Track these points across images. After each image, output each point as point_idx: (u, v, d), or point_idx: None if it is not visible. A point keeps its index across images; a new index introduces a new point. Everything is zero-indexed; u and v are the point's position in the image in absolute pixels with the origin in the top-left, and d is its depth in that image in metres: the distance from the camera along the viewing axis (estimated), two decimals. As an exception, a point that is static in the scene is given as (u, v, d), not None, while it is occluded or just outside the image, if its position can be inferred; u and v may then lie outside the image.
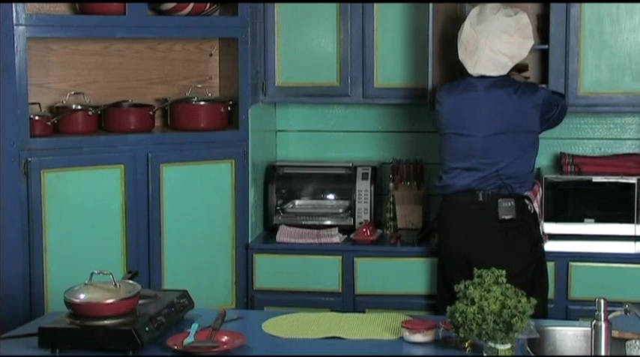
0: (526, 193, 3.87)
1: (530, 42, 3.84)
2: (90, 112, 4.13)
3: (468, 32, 3.82)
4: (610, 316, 2.67)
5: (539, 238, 3.93)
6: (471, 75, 3.84)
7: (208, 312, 3.12)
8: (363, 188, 4.51)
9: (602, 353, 2.65)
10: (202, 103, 4.31)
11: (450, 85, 3.94)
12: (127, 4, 4.00)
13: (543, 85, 4.11)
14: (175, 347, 2.78)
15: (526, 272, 3.73)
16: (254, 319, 3.14)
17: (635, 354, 2.77)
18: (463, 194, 3.83)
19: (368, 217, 4.49)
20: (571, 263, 4.14)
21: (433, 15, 4.21)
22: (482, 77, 3.82)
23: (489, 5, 3.84)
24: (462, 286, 2.65)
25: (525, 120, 3.80)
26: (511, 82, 3.87)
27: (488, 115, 3.80)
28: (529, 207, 3.88)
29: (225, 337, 2.85)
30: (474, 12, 3.87)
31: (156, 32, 4.24)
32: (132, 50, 4.42)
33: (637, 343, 2.79)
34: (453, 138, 3.87)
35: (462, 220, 3.85)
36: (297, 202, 4.69)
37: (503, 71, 3.82)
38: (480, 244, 3.80)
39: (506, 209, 3.76)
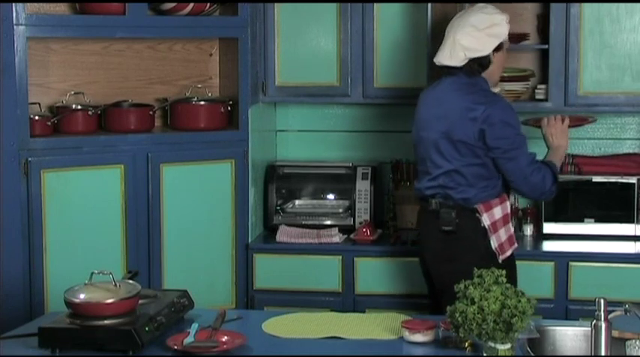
0: (475, 206, 3.61)
1: (494, 41, 3.62)
2: (90, 112, 4.13)
3: (448, 26, 3.73)
4: (610, 316, 2.67)
5: (490, 254, 3.60)
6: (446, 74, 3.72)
7: (208, 312, 3.12)
8: (363, 188, 4.51)
9: (602, 353, 2.65)
10: (202, 103, 4.31)
11: (430, 84, 3.90)
12: (127, 4, 4.00)
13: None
14: (175, 347, 2.78)
15: None
16: (254, 319, 3.14)
17: (635, 354, 2.77)
18: (423, 200, 3.73)
19: (368, 217, 4.49)
20: (571, 263, 4.14)
21: (432, 15, 4.21)
22: (451, 78, 3.67)
23: (479, 4, 3.77)
24: (462, 286, 2.65)
25: (463, 128, 3.56)
26: (477, 89, 3.63)
27: (437, 116, 3.63)
28: (481, 220, 3.61)
29: (225, 337, 2.84)
30: (464, 10, 3.83)
31: (156, 32, 4.24)
32: (132, 50, 4.42)
33: (637, 343, 2.79)
34: (415, 138, 3.77)
35: (419, 227, 3.82)
36: (297, 202, 4.69)
37: (456, 62, 3.61)
38: (428, 254, 3.73)
39: (446, 220, 3.61)
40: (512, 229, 3.73)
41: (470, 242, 3.61)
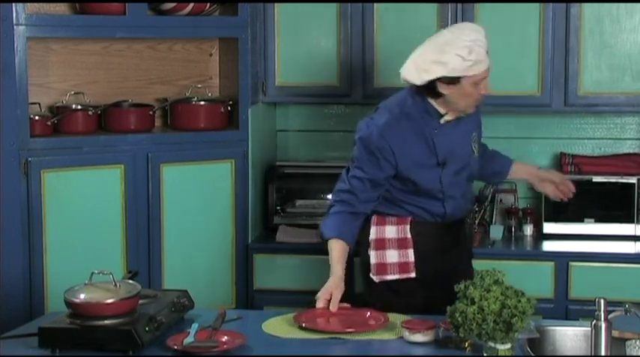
0: (371, 216, 3.44)
1: (437, 71, 3.22)
2: (90, 112, 4.13)
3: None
4: (610, 316, 2.67)
5: (368, 268, 3.44)
6: None
7: (208, 312, 3.12)
8: (363, 188, 4.50)
9: (602, 353, 2.65)
10: (202, 103, 4.31)
11: None
12: (127, 4, 4.01)
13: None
14: (175, 347, 2.78)
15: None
16: (254, 319, 3.14)
17: (635, 354, 2.77)
18: None
19: (368, 217, 4.49)
20: (571, 263, 4.14)
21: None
22: None
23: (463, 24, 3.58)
24: (462, 286, 2.65)
25: None
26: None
27: None
28: (369, 232, 3.45)
29: (225, 337, 2.85)
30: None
31: (156, 32, 4.24)
32: (132, 50, 4.42)
33: (637, 343, 2.79)
34: None
35: None
36: (297, 202, 4.69)
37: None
38: None
39: None
40: (413, 258, 3.38)
41: (361, 247, 3.48)
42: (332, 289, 3.20)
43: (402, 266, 3.41)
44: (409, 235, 3.40)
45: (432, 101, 3.32)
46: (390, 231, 3.42)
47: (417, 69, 3.25)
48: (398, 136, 3.30)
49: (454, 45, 3.19)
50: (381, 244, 3.42)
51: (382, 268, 3.42)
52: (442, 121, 3.34)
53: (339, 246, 3.31)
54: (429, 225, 3.41)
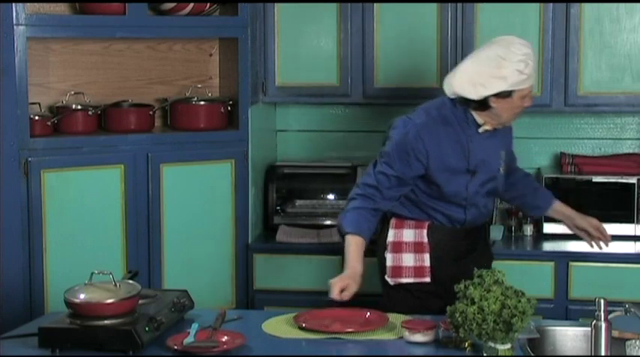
0: (390, 218, 3.50)
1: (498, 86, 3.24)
2: (90, 112, 4.13)
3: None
4: (610, 316, 2.67)
5: (384, 270, 3.50)
6: None
7: (208, 312, 3.12)
8: (363, 188, 4.50)
9: (602, 353, 2.65)
10: (202, 103, 4.31)
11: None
12: (127, 4, 4.01)
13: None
14: (175, 347, 2.78)
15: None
16: (254, 319, 3.14)
17: (635, 354, 2.77)
18: None
19: (368, 217, 4.48)
20: (571, 263, 4.14)
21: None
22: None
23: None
24: (462, 286, 2.65)
25: None
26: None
27: None
28: (388, 234, 3.50)
29: (225, 337, 2.84)
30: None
31: (156, 32, 4.24)
32: (132, 50, 4.42)
33: (637, 343, 2.79)
34: None
35: None
36: (297, 202, 4.69)
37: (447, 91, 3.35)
38: None
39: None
40: (428, 263, 3.42)
41: (378, 247, 3.53)
42: (348, 279, 3.23)
43: (418, 270, 3.44)
44: (426, 240, 3.43)
45: (473, 111, 3.35)
46: (408, 234, 3.45)
47: (473, 84, 3.25)
48: (433, 138, 3.33)
49: (510, 59, 3.21)
50: (398, 247, 3.45)
51: (398, 271, 3.45)
52: (480, 130, 3.36)
53: (357, 241, 3.34)
54: (447, 230, 3.44)
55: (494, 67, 3.22)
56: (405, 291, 3.44)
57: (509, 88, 3.22)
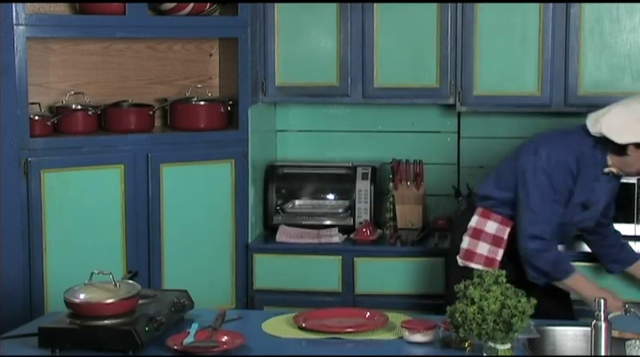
0: (478, 205, 3.66)
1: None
2: (90, 112, 4.13)
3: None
4: (610, 316, 2.67)
5: (457, 250, 3.68)
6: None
7: (208, 312, 3.12)
8: (363, 188, 4.50)
9: (602, 353, 2.65)
10: (202, 103, 4.31)
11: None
12: (127, 4, 4.01)
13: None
14: (175, 347, 2.78)
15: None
16: (254, 319, 3.14)
17: (635, 354, 2.77)
18: None
19: (368, 217, 4.49)
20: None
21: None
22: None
23: None
24: (462, 286, 2.65)
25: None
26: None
27: None
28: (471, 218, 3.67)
29: (225, 337, 2.85)
30: None
31: (156, 32, 4.24)
32: (132, 50, 4.42)
33: (637, 343, 2.79)
34: None
35: None
36: (297, 202, 4.69)
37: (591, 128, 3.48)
38: None
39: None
40: (500, 257, 3.56)
41: (457, 225, 3.73)
42: (614, 296, 3.40)
43: (488, 260, 3.58)
44: (506, 237, 3.57)
45: (609, 153, 3.47)
46: (491, 226, 3.59)
47: (622, 128, 3.38)
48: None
49: None
50: (477, 234, 3.60)
51: (470, 255, 3.60)
52: (606, 170, 3.50)
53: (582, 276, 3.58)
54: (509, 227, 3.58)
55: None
56: (470, 276, 3.49)
57: None
